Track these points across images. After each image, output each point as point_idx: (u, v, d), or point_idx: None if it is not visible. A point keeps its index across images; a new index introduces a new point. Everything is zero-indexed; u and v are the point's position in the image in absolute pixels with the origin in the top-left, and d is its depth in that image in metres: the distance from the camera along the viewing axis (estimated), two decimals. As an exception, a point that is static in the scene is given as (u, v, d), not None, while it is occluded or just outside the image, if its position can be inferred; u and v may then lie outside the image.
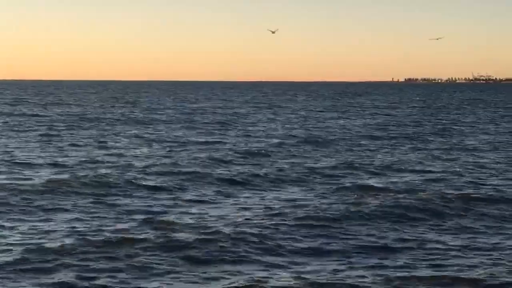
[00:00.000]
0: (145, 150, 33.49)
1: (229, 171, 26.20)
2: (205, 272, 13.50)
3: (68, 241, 15.28)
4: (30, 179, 23.52)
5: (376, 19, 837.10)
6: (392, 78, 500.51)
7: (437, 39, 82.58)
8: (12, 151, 32.08)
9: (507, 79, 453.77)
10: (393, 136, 43.34)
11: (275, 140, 38.52)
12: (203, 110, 74.74)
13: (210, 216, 18.36)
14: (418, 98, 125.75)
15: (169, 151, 33.02)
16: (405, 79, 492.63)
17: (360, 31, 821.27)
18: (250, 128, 48.67)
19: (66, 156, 30.59)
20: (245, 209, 19.44)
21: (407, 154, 33.55)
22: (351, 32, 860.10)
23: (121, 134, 42.59)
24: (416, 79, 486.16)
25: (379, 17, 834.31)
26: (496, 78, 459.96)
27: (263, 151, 32.87)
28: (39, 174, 24.87)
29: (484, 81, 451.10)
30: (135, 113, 65.88)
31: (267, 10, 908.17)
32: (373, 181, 24.48)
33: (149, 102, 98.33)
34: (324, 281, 13.05)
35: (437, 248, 15.53)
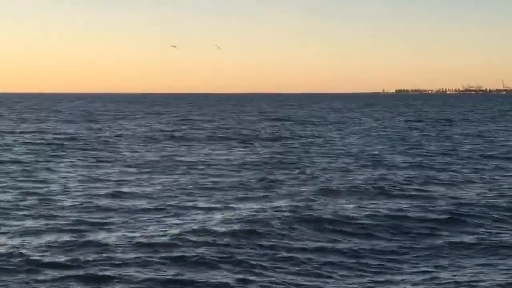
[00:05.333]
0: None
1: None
2: None
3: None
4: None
5: (367, 32, 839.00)
6: (383, 89, 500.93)
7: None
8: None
9: (497, 90, 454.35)
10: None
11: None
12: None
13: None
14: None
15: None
16: (396, 90, 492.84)
17: (350, 43, 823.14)
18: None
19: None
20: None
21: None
22: (341, 44, 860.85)
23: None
24: (407, 90, 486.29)
25: (369, 30, 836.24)
26: (486, 89, 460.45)
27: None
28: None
29: (474, 92, 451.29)
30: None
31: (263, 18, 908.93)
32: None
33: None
34: None
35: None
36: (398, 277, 13.83)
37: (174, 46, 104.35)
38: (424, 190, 24.37)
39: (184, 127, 63.42)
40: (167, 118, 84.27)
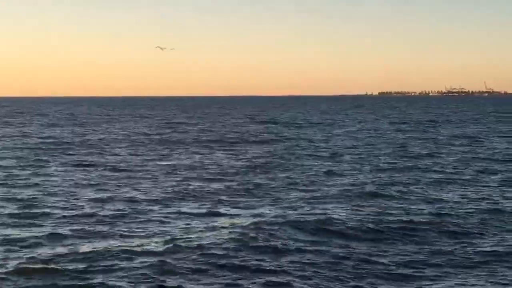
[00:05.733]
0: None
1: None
2: None
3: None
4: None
5: (350, 35, 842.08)
6: (366, 92, 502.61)
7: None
8: None
9: (480, 91, 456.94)
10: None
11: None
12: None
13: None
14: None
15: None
16: (379, 92, 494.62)
17: (334, 45, 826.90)
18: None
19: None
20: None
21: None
22: (324, 46, 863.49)
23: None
24: (390, 93, 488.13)
25: (352, 33, 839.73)
26: (468, 91, 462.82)
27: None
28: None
29: (457, 94, 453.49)
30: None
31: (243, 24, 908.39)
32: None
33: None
34: None
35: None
36: (375, 280, 13.82)
37: (161, 47, 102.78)
38: (409, 192, 24.42)
39: (168, 130, 63.28)
40: (152, 121, 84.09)
